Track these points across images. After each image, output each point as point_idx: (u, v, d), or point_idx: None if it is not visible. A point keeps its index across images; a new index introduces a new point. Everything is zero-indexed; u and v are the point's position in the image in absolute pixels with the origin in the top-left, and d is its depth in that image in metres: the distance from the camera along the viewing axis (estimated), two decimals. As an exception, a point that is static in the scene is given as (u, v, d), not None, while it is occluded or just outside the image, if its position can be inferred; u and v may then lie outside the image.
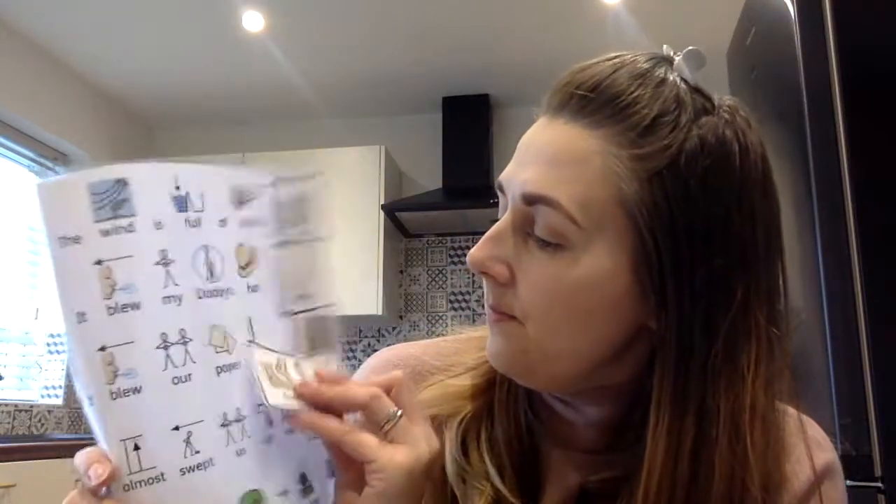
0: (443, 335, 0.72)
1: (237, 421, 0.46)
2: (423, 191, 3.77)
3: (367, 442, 0.49)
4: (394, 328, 3.83)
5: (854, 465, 1.24)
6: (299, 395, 0.49)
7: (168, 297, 0.45)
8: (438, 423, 0.58)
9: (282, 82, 3.64)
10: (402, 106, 3.93)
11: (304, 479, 0.50)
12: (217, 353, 0.46)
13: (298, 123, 4.10)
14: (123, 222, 0.44)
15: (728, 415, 0.51)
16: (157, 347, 0.44)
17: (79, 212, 0.43)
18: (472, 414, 0.60)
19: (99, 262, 0.43)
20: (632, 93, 0.52)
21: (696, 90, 0.54)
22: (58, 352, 3.47)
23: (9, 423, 3.10)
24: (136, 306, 0.43)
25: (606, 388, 0.57)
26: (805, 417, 0.58)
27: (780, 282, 0.55)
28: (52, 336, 3.48)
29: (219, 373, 0.46)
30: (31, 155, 3.46)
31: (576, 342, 0.53)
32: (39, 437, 3.16)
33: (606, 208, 0.51)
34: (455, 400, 0.60)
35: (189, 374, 0.45)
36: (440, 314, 3.82)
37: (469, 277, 3.83)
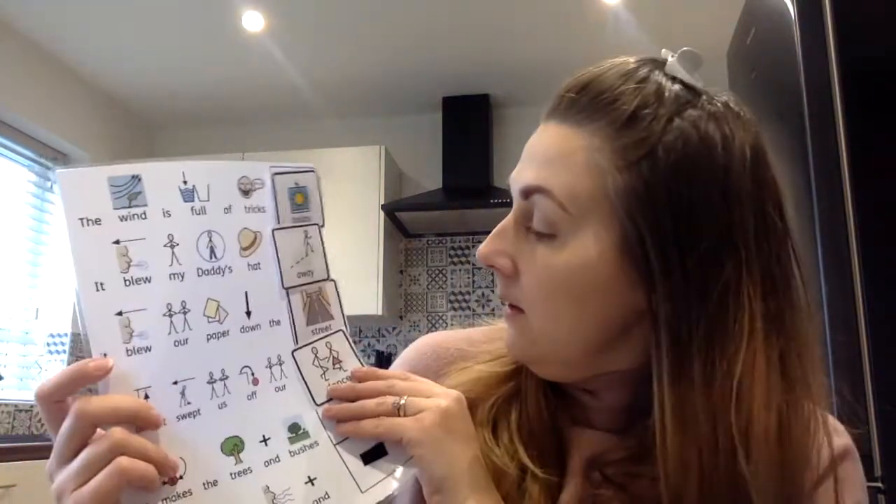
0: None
1: (221, 380, 0.55)
2: (423, 191, 3.77)
3: (395, 424, 0.58)
4: (394, 328, 3.83)
5: (854, 464, 1.24)
6: (336, 397, 0.60)
7: (173, 273, 0.54)
8: (468, 405, 0.63)
9: (282, 82, 3.64)
10: (402, 106, 3.93)
11: (295, 427, 0.58)
12: (209, 322, 0.55)
13: (298, 123, 4.10)
14: (137, 210, 0.53)
15: (723, 387, 0.53)
16: (164, 315, 0.53)
17: (99, 199, 0.51)
18: (503, 398, 0.65)
19: (117, 242, 0.52)
20: (615, 89, 0.57)
21: (685, 86, 0.57)
22: (58, 352, 3.47)
23: (9, 423, 3.10)
24: (147, 280, 0.53)
25: (618, 373, 0.60)
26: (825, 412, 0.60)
27: (783, 260, 0.57)
28: (52, 336, 3.48)
29: (208, 339, 0.55)
30: (31, 155, 3.46)
31: (573, 328, 0.58)
32: (39, 437, 3.15)
33: (592, 197, 0.56)
34: (485, 385, 0.65)
35: (186, 339, 0.54)
36: (440, 314, 3.82)
37: (469, 277, 3.83)
